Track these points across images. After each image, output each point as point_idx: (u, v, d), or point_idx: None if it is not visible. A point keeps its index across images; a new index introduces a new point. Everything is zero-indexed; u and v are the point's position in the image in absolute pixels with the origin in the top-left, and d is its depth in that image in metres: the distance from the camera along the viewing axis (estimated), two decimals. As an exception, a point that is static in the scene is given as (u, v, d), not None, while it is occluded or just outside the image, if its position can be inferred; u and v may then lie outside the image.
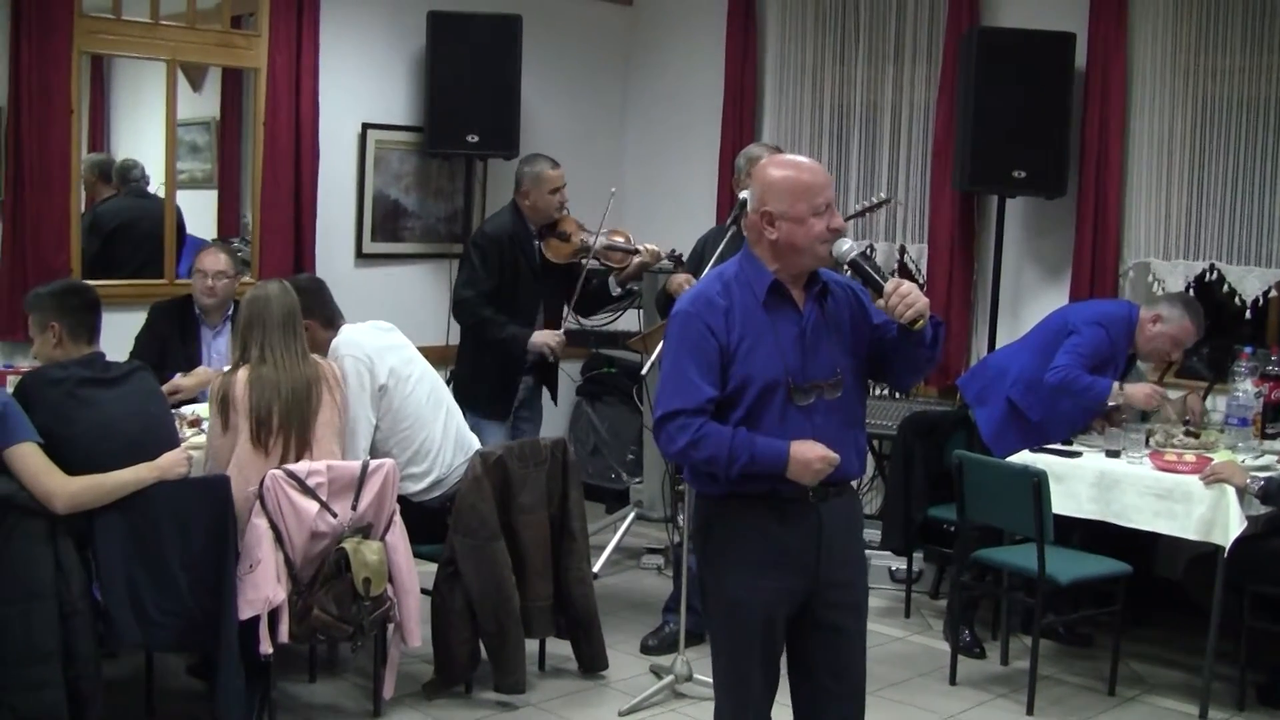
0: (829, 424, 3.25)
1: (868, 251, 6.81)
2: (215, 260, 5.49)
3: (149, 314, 5.57)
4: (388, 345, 4.79)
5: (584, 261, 5.72)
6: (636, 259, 5.75)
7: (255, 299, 4.42)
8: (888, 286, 3.15)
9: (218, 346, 5.48)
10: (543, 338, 5.56)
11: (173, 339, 5.45)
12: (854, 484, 3.46)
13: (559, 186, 5.70)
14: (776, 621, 3.32)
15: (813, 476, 3.18)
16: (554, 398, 6.11)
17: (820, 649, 3.37)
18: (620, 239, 5.83)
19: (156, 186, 6.93)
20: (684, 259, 5.76)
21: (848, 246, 3.23)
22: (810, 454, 3.16)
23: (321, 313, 4.80)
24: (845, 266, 3.29)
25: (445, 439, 4.82)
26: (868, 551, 4.43)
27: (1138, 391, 5.23)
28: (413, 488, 4.76)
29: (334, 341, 4.73)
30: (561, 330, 5.59)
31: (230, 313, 5.42)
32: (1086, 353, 5.24)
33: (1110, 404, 5.27)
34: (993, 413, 5.47)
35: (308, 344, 4.53)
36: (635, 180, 7.95)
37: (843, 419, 3.29)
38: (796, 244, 3.21)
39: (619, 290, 5.82)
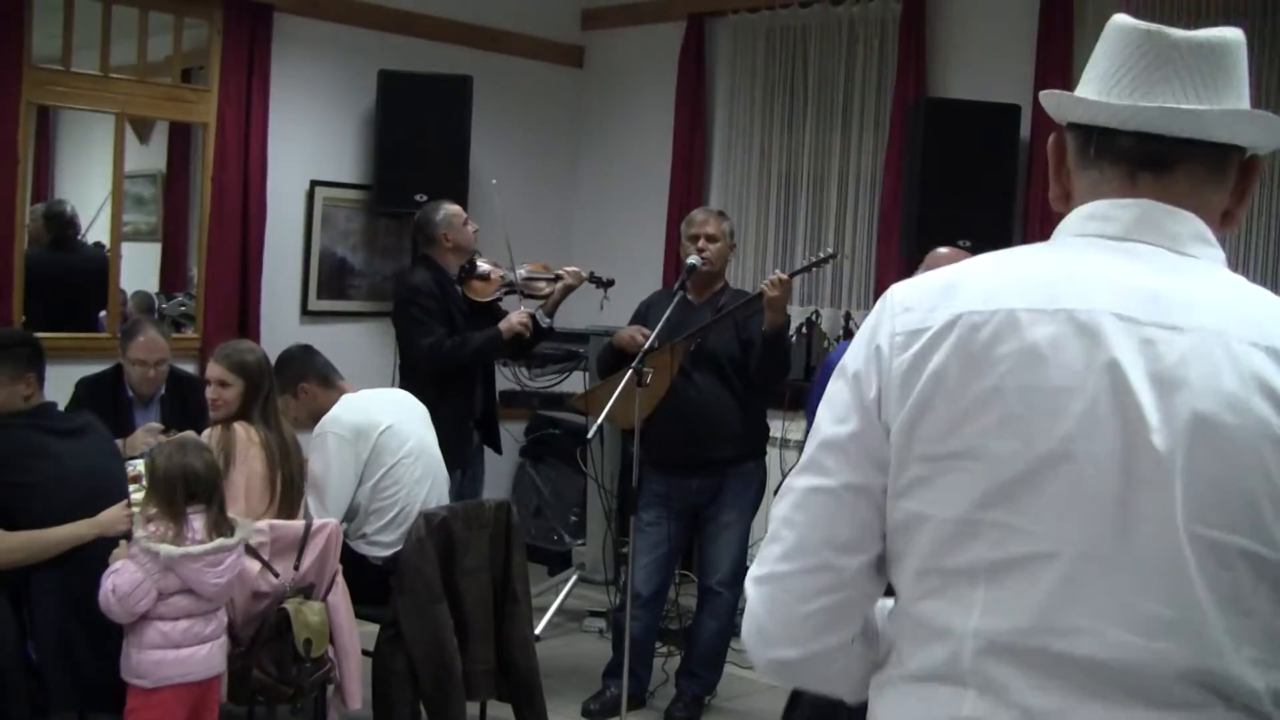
0: None
1: (813, 317, 6.95)
2: (152, 348, 5.16)
3: (77, 390, 5.19)
4: (376, 421, 4.79)
5: (503, 295, 5.81)
6: (560, 284, 5.80)
7: (252, 365, 4.51)
8: None
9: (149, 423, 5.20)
10: (514, 318, 5.61)
11: (105, 418, 5.05)
12: None
13: (466, 217, 5.78)
14: None
15: None
16: (497, 449, 6.10)
17: None
18: (539, 269, 5.94)
19: (103, 238, 6.86)
20: (604, 280, 5.93)
21: None
22: None
23: (317, 376, 4.93)
24: None
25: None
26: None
27: None
28: (379, 553, 4.77)
29: (323, 419, 4.78)
30: (521, 309, 5.67)
31: (161, 392, 5.28)
32: None
33: None
34: None
35: (310, 408, 4.87)
36: (583, 242, 7.98)
37: None
38: None
39: (548, 322, 5.83)
